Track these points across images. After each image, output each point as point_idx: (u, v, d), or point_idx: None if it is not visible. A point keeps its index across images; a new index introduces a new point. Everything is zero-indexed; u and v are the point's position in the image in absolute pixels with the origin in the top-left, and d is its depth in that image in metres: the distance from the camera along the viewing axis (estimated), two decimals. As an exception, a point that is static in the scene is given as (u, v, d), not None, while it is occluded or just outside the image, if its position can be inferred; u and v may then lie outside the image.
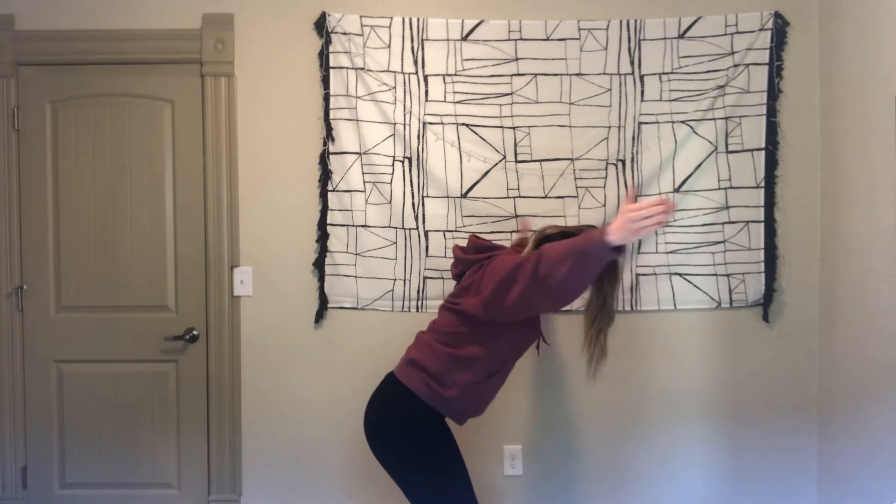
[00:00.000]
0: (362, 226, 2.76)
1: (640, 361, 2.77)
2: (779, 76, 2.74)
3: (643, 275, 2.76)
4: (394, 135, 2.73)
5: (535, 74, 2.73)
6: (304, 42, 2.76)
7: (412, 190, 2.75)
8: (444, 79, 2.73)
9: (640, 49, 2.73)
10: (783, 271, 2.78)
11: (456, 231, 2.74)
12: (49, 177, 2.82)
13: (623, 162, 2.74)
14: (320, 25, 2.74)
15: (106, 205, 2.82)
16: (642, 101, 2.73)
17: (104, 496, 2.85)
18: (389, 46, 2.72)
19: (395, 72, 2.73)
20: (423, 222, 2.75)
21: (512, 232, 2.74)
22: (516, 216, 2.74)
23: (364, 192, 2.75)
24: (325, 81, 2.73)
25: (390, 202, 2.75)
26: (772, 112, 2.74)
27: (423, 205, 2.75)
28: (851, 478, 2.57)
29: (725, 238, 2.75)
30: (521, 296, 1.96)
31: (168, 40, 2.78)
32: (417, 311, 2.76)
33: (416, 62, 2.73)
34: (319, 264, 2.78)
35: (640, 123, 2.73)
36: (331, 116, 2.74)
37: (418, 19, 2.73)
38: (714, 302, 2.77)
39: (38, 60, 2.80)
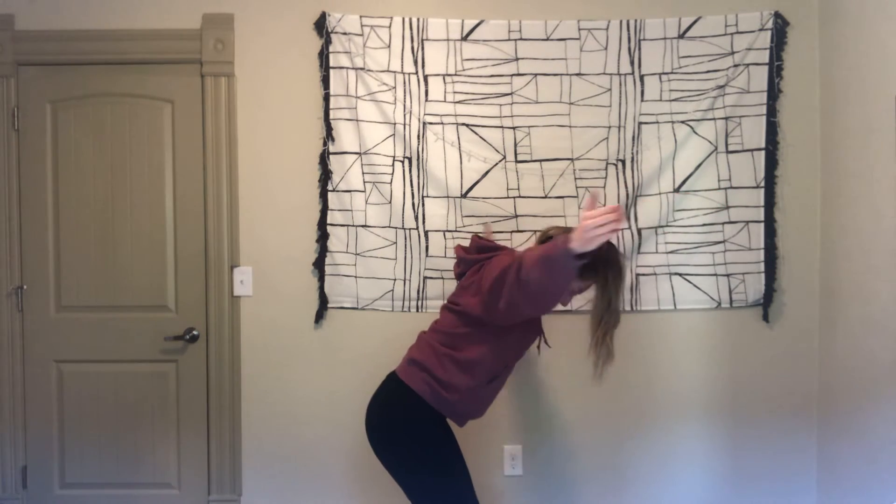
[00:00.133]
0: (362, 226, 2.76)
1: (640, 361, 2.77)
2: (779, 76, 2.74)
3: (643, 275, 2.76)
4: (394, 135, 2.73)
5: (535, 74, 2.73)
6: (304, 42, 2.76)
7: (412, 190, 2.75)
8: (444, 79, 2.73)
9: (640, 49, 2.73)
10: (783, 271, 2.78)
11: (456, 231, 2.74)
12: (49, 177, 2.82)
13: (623, 162, 2.74)
14: (320, 25, 2.74)
15: (106, 205, 2.82)
16: (642, 101, 2.73)
17: (104, 496, 2.85)
18: (389, 46, 2.72)
19: (395, 72, 2.73)
20: (423, 222, 2.75)
21: (512, 232, 2.74)
22: (516, 216, 2.74)
23: (364, 192, 2.75)
24: (325, 81, 2.73)
25: (390, 202, 2.75)
26: (772, 112, 2.74)
27: (423, 205, 2.75)
28: (851, 478, 2.57)
29: (725, 238, 2.75)
30: (508, 299, 1.97)
31: (168, 40, 2.78)
32: (417, 311, 2.76)
33: (416, 62, 2.73)
34: (319, 264, 2.78)
35: (640, 123, 2.73)
36: (331, 116, 2.74)
37: (418, 19, 2.73)
38: (714, 302, 2.77)
39: (38, 60, 2.80)
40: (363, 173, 2.75)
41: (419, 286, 2.76)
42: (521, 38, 2.73)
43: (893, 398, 2.32)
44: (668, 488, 2.82)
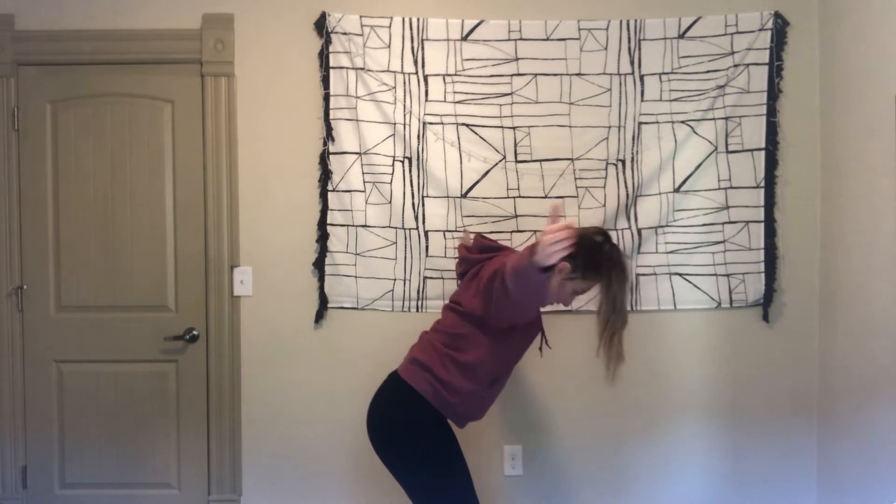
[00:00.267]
0: (362, 226, 2.76)
1: (640, 362, 2.77)
2: (779, 76, 2.74)
3: (643, 275, 2.76)
4: (394, 135, 2.73)
5: (535, 74, 2.73)
6: (304, 42, 2.76)
7: (412, 190, 2.75)
8: (444, 79, 2.73)
9: (640, 49, 2.73)
10: (783, 271, 2.78)
11: (456, 231, 2.74)
12: (49, 177, 2.82)
13: (623, 162, 2.74)
14: (320, 25, 2.74)
15: (106, 205, 2.82)
16: (642, 101, 2.73)
17: (104, 496, 2.84)
18: (389, 46, 2.72)
19: (395, 72, 2.73)
20: (423, 222, 2.75)
21: (512, 232, 2.74)
22: (516, 216, 2.74)
23: (364, 192, 2.75)
24: (326, 81, 2.73)
25: (390, 202, 2.75)
26: (772, 112, 2.74)
27: (423, 205, 2.75)
28: (851, 478, 2.57)
29: (725, 238, 2.75)
30: (497, 304, 2.00)
31: (168, 40, 2.78)
32: (417, 311, 2.76)
33: (416, 62, 2.73)
34: (319, 264, 2.77)
35: (640, 123, 2.73)
36: (331, 116, 2.74)
37: (418, 19, 2.73)
38: (714, 302, 2.77)
39: (38, 60, 2.80)
40: (363, 173, 2.75)
41: (419, 286, 2.76)
42: (521, 38, 2.73)
43: (893, 398, 2.32)
44: (668, 488, 2.82)
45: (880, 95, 2.37)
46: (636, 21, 2.73)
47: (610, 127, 2.74)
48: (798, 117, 2.76)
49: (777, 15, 2.73)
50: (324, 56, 2.74)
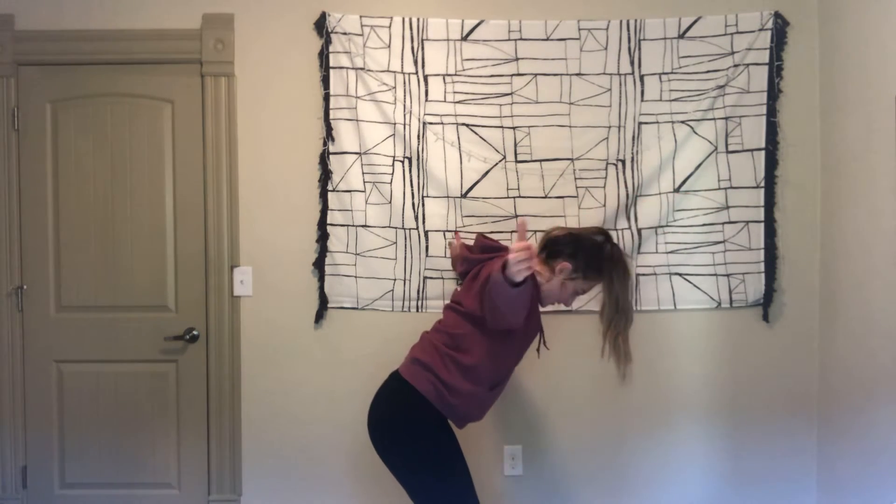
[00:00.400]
0: (362, 226, 2.76)
1: (640, 361, 2.75)
2: (779, 76, 2.74)
3: (643, 275, 2.76)
4: (394, 135, 2.73)
5: (535, 74, 2.73)
6: (304, 42, 2.76)
7: (412, 190, 2.75)
8: (444, 79, 2.73)
9: (640, 49, 2.73)
10: (783, 271, 2.78)
11: (456, 231, 2.74)
12: (49, 177, 2.82)
13: (623, 162, 2.74)
14: (320, 25, 2.74)
15: (106, 205, 2.82)
16: (642, 101, 2.73)
17: (104, 496, 2.84)
18: (389, 46, 2.72)
19: (395, 72, 2.73)
20: (423, 222, 2.75)
21: (512, 232, 2.74)
22: (516, 216, 2.74)
23: (364, 192, 2.75)
24: (325, 81, 2.73)
25: (390, 202, 2.75)
26: (772, 112, 2.74)
27: (423, 205, 2.75)
28: (852, 478, 2.57)
29: (725, 238, 2.75)
30: (487, 308, 2.01)
31: (168, 40, 2.78)
32: (418, 311, 2.76)
33: (416, 62, 2.73)
34: (319, 264, 2.77)
35: (640, 123, 2.73)
36: (331, 116, 2.74)
37: (418, 19, 2.73)
38: (714, 302, 2.77)
39: (38, 60, 2.80)
40: (363, 173, 2.75)
41: (419, 286, 2.76)
42: (521, 38, 2.73)
43: (893, 398, 2.32)
44: (668, 488, 2.82)
45: (880, 95, 2.37)
46: (636, 21, 2.73)
47: (610, 127, 2.74)
48: (798, 117, 2.76)
49: (777, 15, 2.73)
50: (324, 56, 2.74)
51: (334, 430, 2.80)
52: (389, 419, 2.15)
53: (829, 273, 2.72)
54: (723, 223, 2.75)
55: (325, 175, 2.75)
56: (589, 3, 2.76)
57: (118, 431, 2.84)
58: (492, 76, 2.73)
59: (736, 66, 2.72)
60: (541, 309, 2.25)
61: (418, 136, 2.73)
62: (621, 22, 2.73)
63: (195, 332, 2.80)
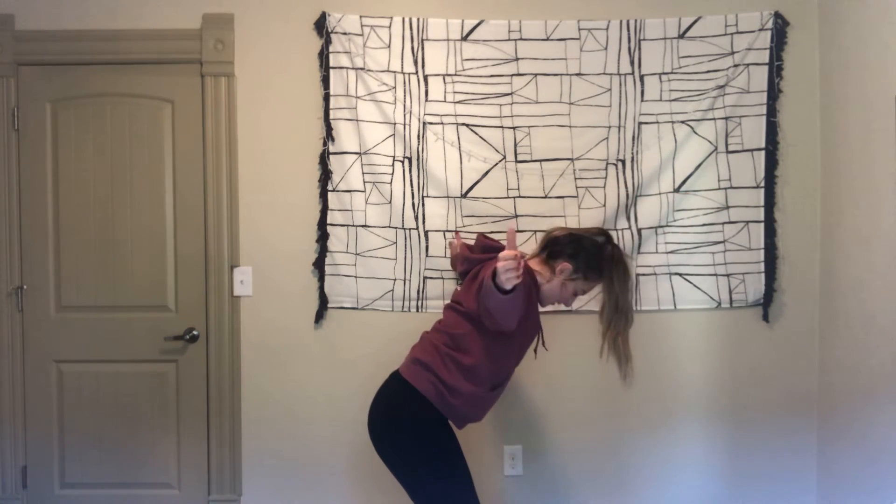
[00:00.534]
0: (362, 226, 2.76)
1: (640, 361, 2.76)
2: (779, 76, 2.74)
3: (643, 275, 2.76)
4: (394, 135, 2.73)
5: (535, 74, 2.73)
6: (304, 42, 2.76)
7: (412, 190, 2.75)
8: (444, 79, 2.73)
9: (640, 49, 2.73)
10: (783, 271, 2.78)
11: (456, 231, 2.74)
12: (49, 177, 2.82)
13: (623, 162, 2.74)
14: (320, 25, 2.74)
15: (106, 205, 2.82)
16: (642, 101, 2.73)
17: (104, 496, 2.84)
18: (389, 46, 2.72)
19: (395, 72, 2.73)
20: (423, 222, 2.75)
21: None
22: (516, 216, 2.74)
23: (364, 192, 2.75)
24: (325, 81, 2.73)
25: (390, 202, 2.75)
26: (772, 112, 2.74)
27: (423, 205, 2.75)
28: (851, 478, 2.57)
29: (725, 238, 2.75)
30: (482, 311, 2.02)
31: (168, 40, 2.78)
32: (418, 311, 2.76)
33: (416, 62, 2.73)
34: (319, 264, 2.77)
35: (640, 123, 2.73)
36: (331, 116, 2.74)
37: (418, 19, 2.73)
38: (714, 302, 2.77)
39: (38, 60, 2.80)
40: (363, 173, 2.75)
41: (419, 286, 2.76)
42: (521, 38, 2.73)
43: (893, 399, 2.32)
44: (668, 488, 2.82)
45: (880, 95, 2.37)
46: (636, 21, 2.73)
47: (610, 127, 2.74)
48: (798, 117, 2.76)
49: (777, 15, 2.73)
50: (324, 56, 2.74)
51: (334, 430, 2.80)
52: (390, 419, 2.15)
53: (829, 273, 2.72)
54: (723, 223, 2.75)
55: (325, 175, 2.75)
56: (589, 3, 2.76)
57: (118, 431, 2.84)
58: (492, 76, 2.73)
59: (736, 66, 2.72)
60: (541, 309, 2.25)
61: (418, 136, 2.73)
62: (621, 22, 2.73)
63: (195, 332, 2.80)
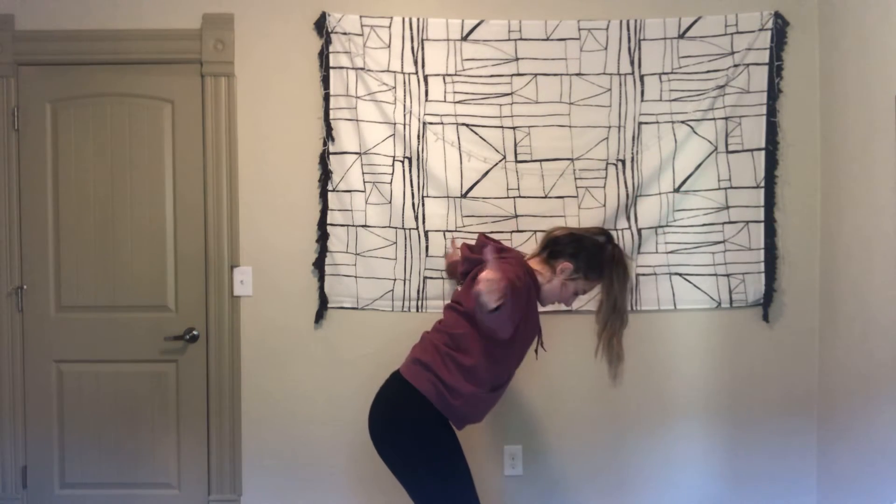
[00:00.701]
0: (362, 226, 2.76)
1: (640, 362, 2.77)
2: (779, 76, 2.74)
3: (643, 275, 2.76)
4: (394, 135, 2.73)
5: (535, 74, 2.73)
6: (304, 42, 2.76)
7: (412, 190, 2.75)
8: (444, 79, 2.73)
9: (640, 49, 2.73)
10: (783, 271, 2.78)
11: (456, 231, 2.74)
12: (49, 177, 2.82)
13: (623, 162, 2.74)
14: (320, 25, 2.74)
15: (106, 205, 2.82)
16: (642, 101, 2.73)
17: (104, 496, 2.84)
18: (389, 46, 2.72)
19: (395, 72, 2.73)
20: (423, 222, 2.75)
21: (512, 232, 2.74)
22: (516, 216, 2.74)
23: (364, 192, 2.75)
24: (325, 81, 2.73)
25: (390, 202, 2.75)
26: (772, 112, 2.74)
27: (423, 205, 2.75)
28: (851, 478, 2.57)
29: (725, 238, 2.75)
30: (478, 319, 2.01)
31: (168, 40, 2.78)
32: (418, 311, 2.76)
33: (416, 62, 2.73)
34: (319, 264, 2.77)
35: (640, 123, 2.73)
36: (331, 116, 2.74)
37: (418, 19, 2.73)
38: (714, 302, 2.77)
39: (38, 60, 2.80)
40: (363, 173, 2.75)
41: (419, 286, 2.76)
42: (521, 38, 2.73)
43: (893, 399, 2.32)
44: (668, 488, 2.82)
45: (880, 95, 2.37)
46: (636, 21, 2.73)
47: (610, 127, 2.74)
48: (798, 117, 2.76)
49: (777, 15, 2.73)
50: (324, 56, 2.74)
51: (334, 429, 2.80)
52: (390, 419, 2.15)
53: (829, 273, 2.72)
54: (723, 223, 2.75)
55: (325, 175, 2.75)
56: (589, 3, 2.76)
57: (118, 431, 2.84)
58: (492, 76, 2.73)
59: (736, 66, 2.72)
60: (540, 309, 2.25)
61: (418, 136, 2.73)
62: (621, 22, 2.73)
63: (195, 332, 2.80)
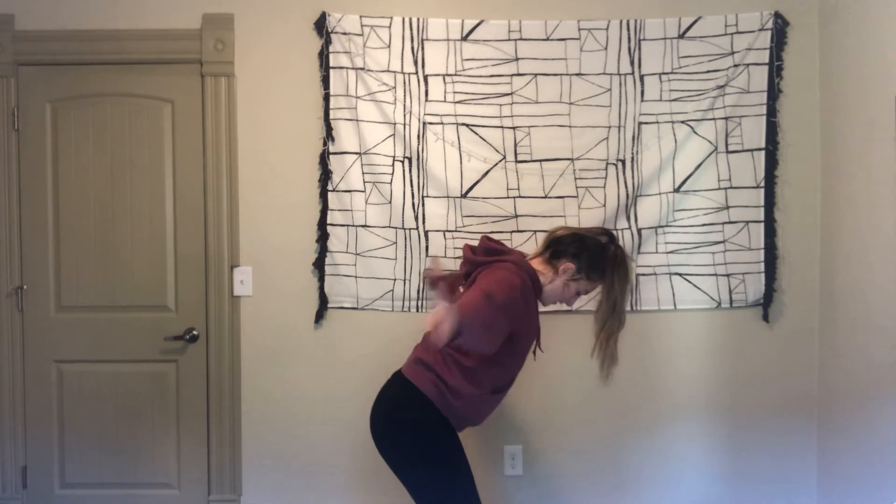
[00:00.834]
0: (362, 226, 2.76)
1: (640, 362, 2.77)
2: (779, 76, 2.74)
3: (643, 275, 2.76)
4: (394, 135, 2.73)
5: (535, 74, 2.73)
6: (304, 42, 2.76)
7: (412, 190, 2.75)
8: (444, 79, 2.73)
9: (640, 49, 2.73)
10: (783, 271, 2.78)
11: (456, 231, 2.74)
12: (49, 177, 2.82)
13: (623, 162, 2.74)
14: (320, 25, 2.74)
15: (106, 205, 2.82)
16: (642, 101, 2.73)
17: (104, 496, 2.84)
18: (389, 46, 2.72)
19: (395, 72, 2.73)
20: (423, 222, 2.75)
21: (512, 232, 2.74)
22: (516, 216, 2.74)
23: (364, 192, 2.75)
24: (325, 81, 2.73)
25: (390, 202, 2.75)
26: (772, 112, 2.74)
27: (423, 205, 2.75)
28: (851, 478, 2.57)
29: (725, 238, 2.75)
30: None
31: (168, 40, 2.78)
32: (417, 311, 2.76)
33: (416, 62, 2.73)
34: (319, 264, 2.77)
35: (640, 123, 2.73)
36: (331, 116, 2.74)
37: (418, 19, 2.73)
38: (714, 302, 2.77)
39: (38, 60, 2.80)
40: (363, 173, 2.75)
41: (419, 286, 2.76)
42: (521, 38, 2.73)
43: (893, 398, 2.32)
44: (668, 488, 2.82)
45: (880, 95, 2.37)
46: (636, 21, 2.73)
47: (610, 127, 2.74)
48: (798, 117, 2.76)
49: (777, 15, 2.73)
50: (324, 56, 2.74)
51: (334, 429, 2.80)
52: (392, 419, 2.15)
53: (829, 273, 2.72)
54: (723, 223, 2.75)
55: (325, 175, 2.75)
56: (589, 3, 2.76)
57: (118, 431, 2.84)
58: (492, 76, 2.73)
59: (736, 66, 2.72)
60: (541, 308, 2.25)
61: (418, 136, 2.73)
62: (621, 22, 2.73)
63: (195, 332, 2.80)
